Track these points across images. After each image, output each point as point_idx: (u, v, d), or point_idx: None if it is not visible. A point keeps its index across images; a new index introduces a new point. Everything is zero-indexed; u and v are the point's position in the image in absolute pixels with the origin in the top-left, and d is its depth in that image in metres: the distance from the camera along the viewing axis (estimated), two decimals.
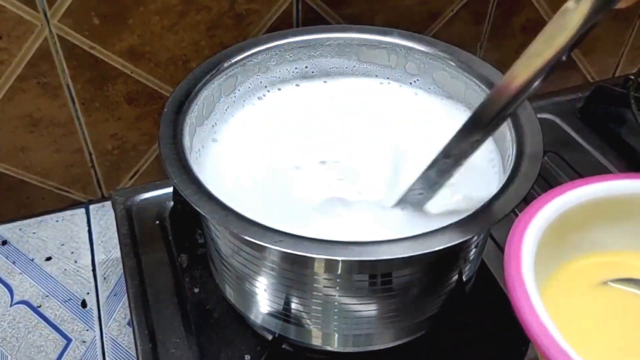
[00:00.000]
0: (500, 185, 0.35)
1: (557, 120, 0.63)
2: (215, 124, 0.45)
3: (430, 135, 0.43)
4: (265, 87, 0.48)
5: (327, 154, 0.44)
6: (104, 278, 0.54)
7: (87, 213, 0.59)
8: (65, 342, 0.50)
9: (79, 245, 0.56)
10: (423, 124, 0.46)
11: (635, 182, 0.33)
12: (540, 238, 0.31)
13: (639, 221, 0.34)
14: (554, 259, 0.33)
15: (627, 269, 0.34)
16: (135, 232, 0.51)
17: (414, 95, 0.48)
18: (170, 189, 0.54)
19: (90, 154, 0.57)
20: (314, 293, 0.36)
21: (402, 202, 0.39)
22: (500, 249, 0.49)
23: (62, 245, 0.56)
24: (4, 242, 0.56)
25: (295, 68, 0.48)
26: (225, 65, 0.45)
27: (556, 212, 0.32)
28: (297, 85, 0.49)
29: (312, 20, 0.56)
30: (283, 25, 0.55)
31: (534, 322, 0.27)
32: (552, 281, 0.33)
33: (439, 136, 0.37)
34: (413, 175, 0.38)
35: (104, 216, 0.59)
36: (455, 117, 0.46)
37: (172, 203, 0.52)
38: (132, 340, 0.45)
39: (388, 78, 0.49)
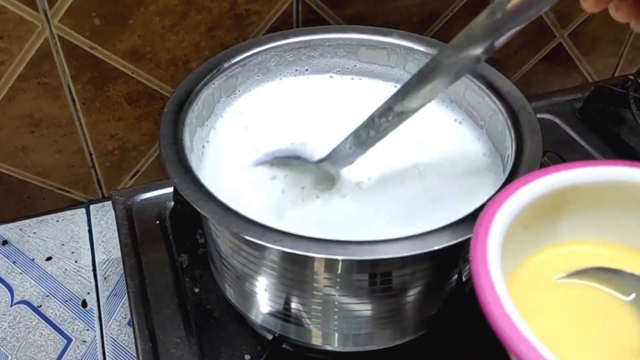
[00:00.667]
0: (500, 185, 0.35)
1: (557, 120, 0.63)
2: (216, 123, 0.45)
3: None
4: (265, 86, 0.48)
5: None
6: (105, 278, 0.54)
7: (88, 213, 0.59)
8: (65, 342, 0.50)
9: (79, 245, 0.57)
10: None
11: (601, 169, 0.32)
12: (507, 230, 0.30)
13: (607, 210, 0.33)
14: (522, 251, 0.32)
15: (595, 258, 0.33)
16: (135, 232, 0.51)
17: None
18: (170, 189, 0.54)
19: (90, 154, 0.57)
20: (314, 293, 0.36)
21: (330, 157, 0.39)
22: None
23: (63, 245, 0.56)
24: (5, 242, 0.56)
25: (296, 70, 0.49)
26: (226, 65, 0.45)
27: (522, 203, 0.31)
28: (297, 83, 0.49)
29: (312, 21, 0.56)
30: (283, 26, 0.55)
31: (501, 316, 0.26)
32: (519, 273, 0.32)
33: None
34: None
35: (105, 216, 0.59)
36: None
37: (172, 203, 0.52)
38: (133, 340, 0.45)
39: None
